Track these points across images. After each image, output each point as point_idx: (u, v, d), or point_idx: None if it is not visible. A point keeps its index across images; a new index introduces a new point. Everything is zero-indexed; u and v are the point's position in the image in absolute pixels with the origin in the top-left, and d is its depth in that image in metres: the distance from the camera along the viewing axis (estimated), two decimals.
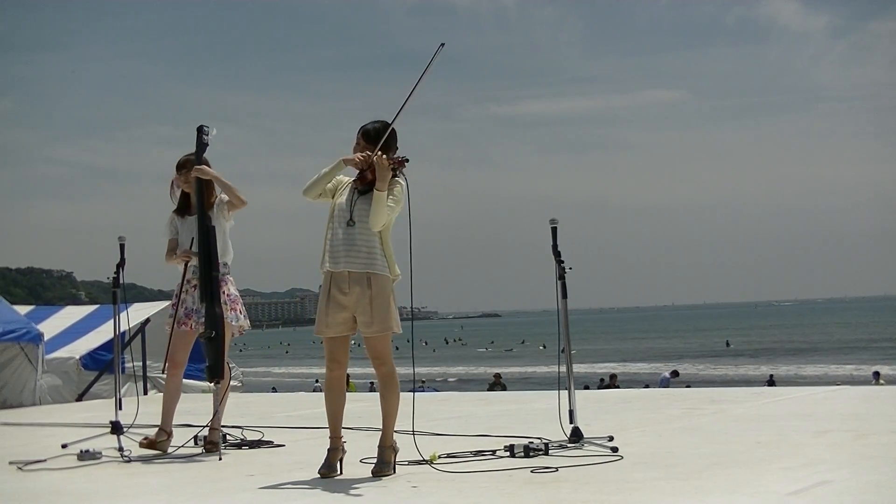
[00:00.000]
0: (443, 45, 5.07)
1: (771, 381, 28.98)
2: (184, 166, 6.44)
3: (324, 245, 5.20)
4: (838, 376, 39.43)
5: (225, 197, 6.40)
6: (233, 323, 6.39)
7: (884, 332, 72.10)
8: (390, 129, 5.14)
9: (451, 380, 49.47)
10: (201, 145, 6.22)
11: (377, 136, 5.14)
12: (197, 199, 6.22)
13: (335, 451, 5.18)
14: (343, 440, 5.24)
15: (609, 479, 4.68)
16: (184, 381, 13.28)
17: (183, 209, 6.56)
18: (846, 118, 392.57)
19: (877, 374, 25.72)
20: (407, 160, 5.11)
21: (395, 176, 5.15)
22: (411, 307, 5.29)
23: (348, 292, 5.10)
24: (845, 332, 79.79)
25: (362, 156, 5.08)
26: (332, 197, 5.25)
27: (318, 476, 5.09)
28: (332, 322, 5.13)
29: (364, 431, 6.78)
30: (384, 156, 5.04)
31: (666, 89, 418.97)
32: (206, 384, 12.73)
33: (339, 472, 5.15)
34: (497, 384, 25.64)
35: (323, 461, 5.16)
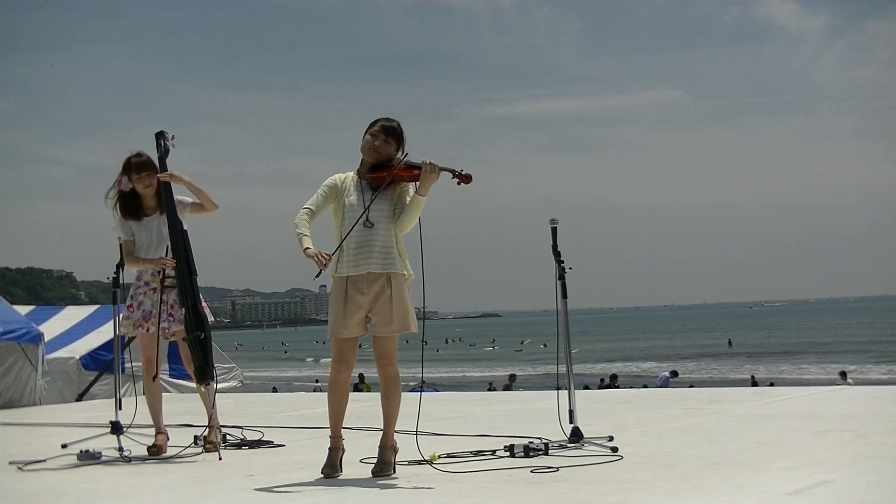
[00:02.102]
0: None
1: (754, 382, 28.79)
2: (145, 167, 6.37)
3: (337, 249, 5.11)
4: (835, 378, 39.40)
5: (185, 198, 6.38)
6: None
7: (878, 333, 72.11)
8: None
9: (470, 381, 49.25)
10: (165, 150, 6.21)
11: (401, 136, 5.19)
12: (167, 203, 6.22)
13: (336, 451, 5.18)
14: (342, 440, 5.24)
15: (609, 479, 4.68)
16: (181, 382, 13.30)
17: (135, 211, 6.46)
18: (844, 118, 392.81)
19: (843, 374, 25.24)
20: (470, 178, 5.09)
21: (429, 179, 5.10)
22: (423, 308, 5.28)
23: (367, 292, 5.07)
24: (845, 332, 79.78)
25: (321, 258, 4.99)
26: (335, 200, 5.21)
27: (322, 476, 5.08)
28: (350, 323, 5.09)
29: (364, 431, 6.78)
30: (432, 162, 5.02)
31: (664, 89, 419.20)
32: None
33: (341, 471, 5.15)
34: (510, 387, 25.64)
35: (325, 461, 5.15)
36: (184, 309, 6.13)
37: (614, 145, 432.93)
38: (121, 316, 6.63)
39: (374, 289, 5.07)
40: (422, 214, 5.11)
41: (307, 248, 5.07)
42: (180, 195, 6.36)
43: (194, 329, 6.05)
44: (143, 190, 6.40)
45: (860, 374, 40.39)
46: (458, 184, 5.10)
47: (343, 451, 5.23)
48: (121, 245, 6.57)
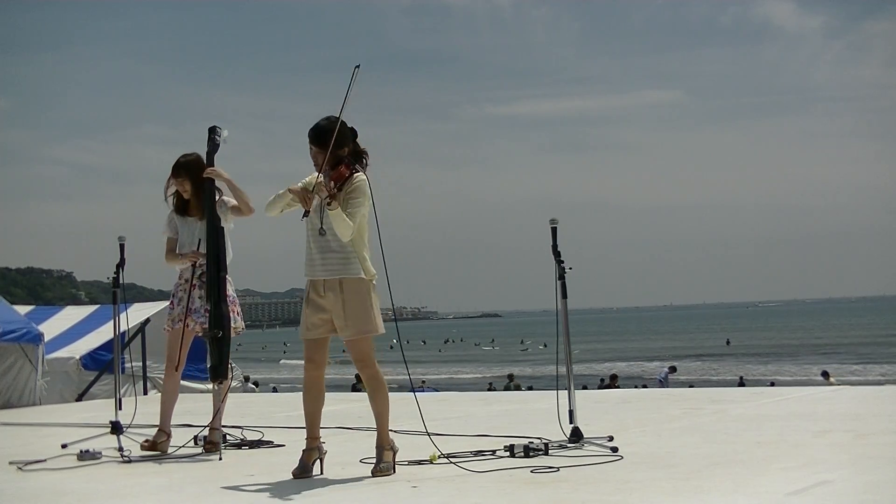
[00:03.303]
0: (358, 66, 5.09)
1: (741, 383, 28.69)
2: (181, 169, 6.43)
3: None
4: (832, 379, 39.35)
5: (229, 200, 6.38)
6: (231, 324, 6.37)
7: (877, 334, 72.13)
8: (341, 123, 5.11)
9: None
10: (214, 146, 6.19)
11: (320, 137, 5.11)
12: (206, 200, 6.21)
13: (310, 452, 5.18)
14: (322, 441, 5.24)
15: (609, 479, 4.68)
16: (182, 382, 13.33)
17: (182, 209, 6.55)
18: (843, 118, 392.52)
19: (826, 374, 24.44)
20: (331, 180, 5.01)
21: (350, 178, 5.09)
22: (392, 307, 5.27)
23: (324, 296, 5.13)
24: (844, 333, 79.82)
25: (305, 197, 5.02)
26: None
27: (292, 478, 5.08)
28: (311, 324, 5.17)
29: (364, 431, 6.77)
30: (321, 181, 5.01)
31: (662, 90, 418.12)
32: (204, 385, 12.77)
33: (312, 474, 5.13)
34: (520, 386, 25.69)
35: (298, 463, 5.17)
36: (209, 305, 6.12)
37: (614, 145, 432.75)
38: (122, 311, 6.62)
39: (329, 294, 5.11)
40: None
41: (288, 188, 5.12)
42: (226, 196, 6.37)
43: (213, 327, 6.03)
44: (182, 192, 6.47)
45: (858, 376, 40.43)
46: (340, 188, 5.02)
47: (321, 452, 5.22)
48: (113, 244, 6.58)
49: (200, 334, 6.42)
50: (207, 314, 6.28)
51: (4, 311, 12.47)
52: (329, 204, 4.99)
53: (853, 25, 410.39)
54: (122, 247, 7.24)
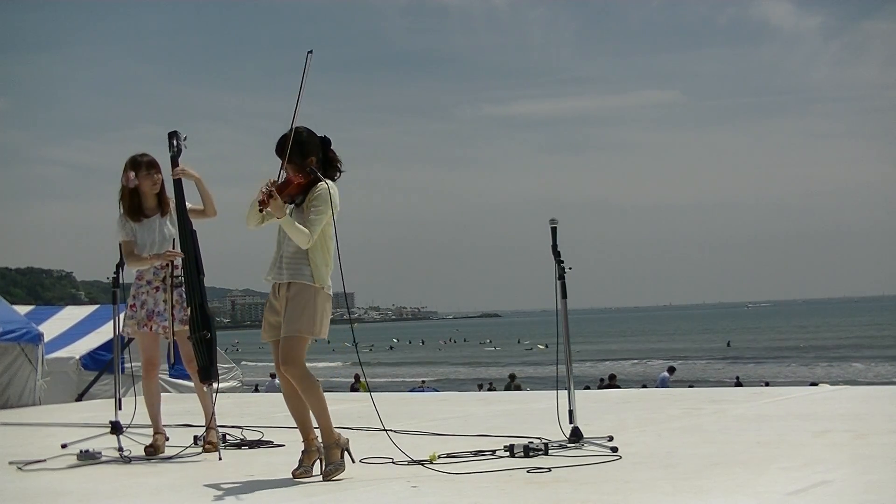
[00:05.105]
0: (310, 52, 5.19)
1: (738, 383, 28.64)
2: (153, 165, 6.36)
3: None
4: (832, 376, 39.41)
5: (187, 204, 6.29)
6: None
7: (879, 334, 72.15)
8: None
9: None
10: (178, 151, 6.20)
11: (280, 148, 5.20)
12: (179, 203, 6.19)
13: (308, 454, 5.19)
14: (320, 441, 5.22)
15: (609, 479, 4.68)
16: (181, 382, 13.30)
17: (136, 211, 6.42)
18: (841, 118, 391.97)
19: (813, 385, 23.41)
20: (273, 186, 5.00)
21: (312, 184, 5.14)
22: (347, 309, 5.26)
23: (279, 297, 5.20)
24: (845, 333, 79.82)
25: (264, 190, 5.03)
26: None
27: (292, 477, 5.08)
28: (268, 326, 5.23)
29: (364, 431, 6.77)
30: (264, 187, 5.02)
31: (660, 90, 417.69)
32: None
33: (312, 474, 5.13)
34: (511, 385, 25.65)
35: (297, 463, 5.17)
36: (189, 308, 6.10)
37: (612, 145, 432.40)
38: (122, 316, 6.62)
39: (282, 295, 5.17)
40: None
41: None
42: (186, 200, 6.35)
43: (201, 328, 6.02)
44: (149, 189, 6.39)
45: (858, 376, 40.46)
46: (264, 203, 5.00)
47: (321, 453, 5.19)
48: (121, 245, 6.57)
49: (163, 336, 6.42)
50: (173, 317, 6.29)
51: (4, 311, 12.46)
52: (260, 210, 5.03)
53: (851, 25, 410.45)
54: (121, 247, 7.23)
